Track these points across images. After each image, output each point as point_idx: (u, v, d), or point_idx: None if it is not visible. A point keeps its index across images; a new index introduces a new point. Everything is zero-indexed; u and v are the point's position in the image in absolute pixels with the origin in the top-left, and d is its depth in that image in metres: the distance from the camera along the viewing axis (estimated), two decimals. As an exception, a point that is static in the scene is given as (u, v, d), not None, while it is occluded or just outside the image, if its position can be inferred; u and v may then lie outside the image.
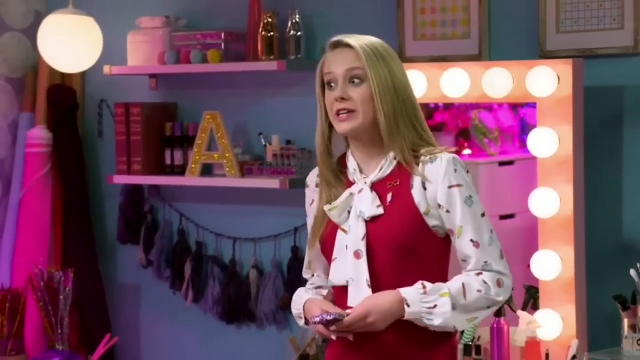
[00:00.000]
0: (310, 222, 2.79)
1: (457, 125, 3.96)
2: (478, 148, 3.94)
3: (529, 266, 3.51)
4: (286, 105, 4.31)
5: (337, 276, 2.67)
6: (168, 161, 4.49)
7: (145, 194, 4.68)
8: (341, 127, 2.63)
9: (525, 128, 3.82)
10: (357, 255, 2.62)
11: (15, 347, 4.39)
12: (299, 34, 4.15)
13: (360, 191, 2.65)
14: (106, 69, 4.54)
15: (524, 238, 3.72)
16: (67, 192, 4.76)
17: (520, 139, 3.88)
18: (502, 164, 3.92)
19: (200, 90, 4.53)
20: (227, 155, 4.27)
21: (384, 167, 2.65)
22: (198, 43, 4.35)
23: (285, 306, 4.15)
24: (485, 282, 2.59)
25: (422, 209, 2.61)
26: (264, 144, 4.27)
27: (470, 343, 3.50)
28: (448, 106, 3.90)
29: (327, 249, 2.70)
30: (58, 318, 4.34)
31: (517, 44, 3.76)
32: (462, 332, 3.50)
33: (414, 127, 2.64)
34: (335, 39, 2.68)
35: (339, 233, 2.66)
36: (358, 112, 2.61)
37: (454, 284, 2.59)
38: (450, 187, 2.60)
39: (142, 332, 4.79)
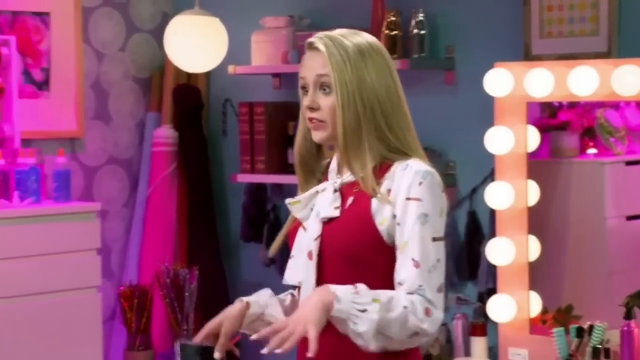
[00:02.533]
0: None
1: (581, 124, 3.90)
2: (604, 147, 3.88)
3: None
4: (409, 103, 4.27)
5: (290, 275, 2.51)
6: (290, 160, 4.52)
7: (268, 193, 4.71)
8: (314, 135, 2.52)
9: (653, 127, 3.75)
10: (309, 255, 2.45)
11: (143, 342, 4.46)
12: (423, 32, 4.13)
13: (323, 190, 2.51)
14: (230, 69, 4.58)
15: (654, 239, 3.65)
16: (192, 190, 4.82)
17: (648, 137, 3.81)
18: (628, 163, 3.86)
19: (323, 89, 4.54)
20: (350, 154, 4.27)
21: None
22: (321, 42, 4.36)
23: None
24: (413, 302, 2.30)
25: (378, 218, 2.41)
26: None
27: (599, 346, 3.43)
28: (572, 105, 3.84)
29: (290, 246, 2.55)
30: (183, 314, 4.39)
31: (647, 41, 3.68)
32: (590, 333, 3.45)
33: (382, 139, 2.46)
34: (310, 38, 2.50)
35: (300, 230, 2.52)
36: (327, 122, 2.47)
37: (384, 293, 2.31)
38: (407, 198, 2.39)
39: (264, 329, 4.82)
